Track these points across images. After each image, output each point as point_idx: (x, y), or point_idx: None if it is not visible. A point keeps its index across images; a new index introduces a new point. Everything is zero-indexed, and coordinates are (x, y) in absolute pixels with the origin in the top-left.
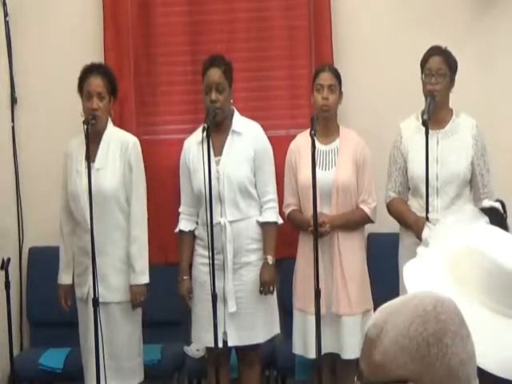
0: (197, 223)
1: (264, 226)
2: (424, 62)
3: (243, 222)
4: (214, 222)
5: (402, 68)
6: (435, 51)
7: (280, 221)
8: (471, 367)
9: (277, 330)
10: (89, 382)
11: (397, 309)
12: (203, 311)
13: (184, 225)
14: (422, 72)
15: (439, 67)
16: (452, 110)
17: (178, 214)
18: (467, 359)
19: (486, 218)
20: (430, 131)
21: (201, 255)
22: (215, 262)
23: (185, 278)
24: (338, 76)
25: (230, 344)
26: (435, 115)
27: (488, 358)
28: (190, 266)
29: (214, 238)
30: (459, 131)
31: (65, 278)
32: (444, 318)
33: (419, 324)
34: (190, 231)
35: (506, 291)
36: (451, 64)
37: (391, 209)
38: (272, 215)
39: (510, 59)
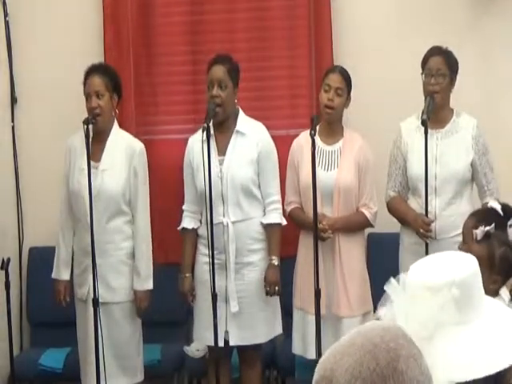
0: (200, 222)
1: (268, 227)
2: (424, 62)
3: (245, 223)
4: (216, 222)
5: (402, 68)
6: (435, 51)
7: (284, 222)
8: None
9: (279, 330)
10: (88, 382)
11: (343, 352)
12: (205, 310)
13: (187, 222)
14: (422, 72)
15: (439, 67)
16: (453, 110)
17: (180, 213)
18: (425, 380)
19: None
20: (429, 131)
21: (204, 254)
22: (218, 261)
23: (187, 275)
24: (347, 80)
25: (231, 343)
26: (436, 115)
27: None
28: (193, 264)
29: (215, 238)
30: (459, 131)
31: (63, 274)
32: (394, 346)
33: (370, 360)
34: (193, 229)
35: (466, 300)
36: (451, 64)
37: (391, 207)
38: (276, 217)
39: (510, 59)
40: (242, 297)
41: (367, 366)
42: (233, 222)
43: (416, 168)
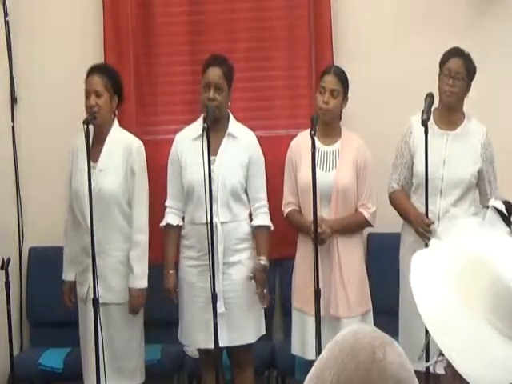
0: (183, 219)
1: (257, 229)
2: (444, 62)
3: (233, 224)
4: (204, 222)
5: (402, 68)
6: (456, 53)
7: (272, 226)
8: (409, 367)
9: (263, 331)
10: (88, 382)
11: (323, 369)
12: (195, 312)
13: (171, 218)
14: (440, 71)
15: (458, 70)
16: (464, 114)
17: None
18: (402, 361)
19: (507, 229)
20: (440, 131)
21: (187, 257)
22: (203, 262)
23: (171, 272)
24: (343, 80)
25: (221, 345)
26: (448, 117)
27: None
28: (177, 262)
29: (203, 238)
30: (469, 136)
31: (68, 275)
32: (368, 340)
33: (351, 361)
34: (177, 226)
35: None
36: (470, 69)
37: (393, 200)
38: (265, 219)
39: (510, 59)
40: (230, 297)
41: (350, 367)
42: (221, 223)
43: (423, 168)
